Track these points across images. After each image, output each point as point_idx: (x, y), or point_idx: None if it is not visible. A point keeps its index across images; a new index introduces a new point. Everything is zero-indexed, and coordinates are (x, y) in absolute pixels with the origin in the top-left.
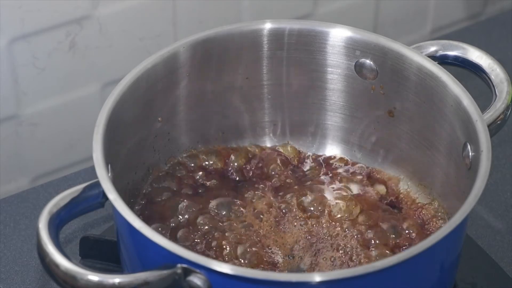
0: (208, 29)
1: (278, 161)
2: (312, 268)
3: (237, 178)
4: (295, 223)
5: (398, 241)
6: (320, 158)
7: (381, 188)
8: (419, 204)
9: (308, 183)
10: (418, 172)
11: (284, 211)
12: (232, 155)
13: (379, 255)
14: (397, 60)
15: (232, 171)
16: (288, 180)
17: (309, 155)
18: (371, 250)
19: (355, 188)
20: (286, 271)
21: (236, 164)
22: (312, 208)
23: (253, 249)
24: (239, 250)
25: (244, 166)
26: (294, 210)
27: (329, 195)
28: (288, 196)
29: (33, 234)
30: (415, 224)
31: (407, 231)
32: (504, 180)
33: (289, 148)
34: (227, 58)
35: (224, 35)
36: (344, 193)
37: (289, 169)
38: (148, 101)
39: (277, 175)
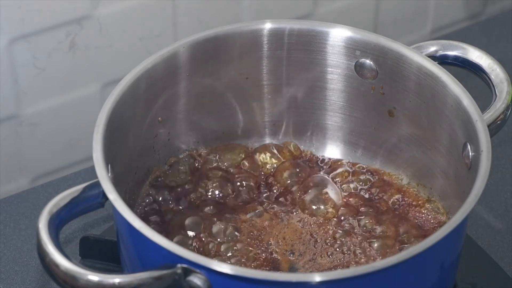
0: (208, 29)
1: (280, 160)
2: (312, 265)
3: (238, 176)
4: (296, 221)
5: (397, 240)
6: (320, 158)
7: (381, 188)
8: (419, 204)
9: (309, 182)
10: (418, 172)
11: (285, 208)
12: (230, 151)
13: (379, 254)
14: (397, 60)
15: (231, 168)
16: (289, 178)
17: (309, 155)
18: (371, 249)
19: (355, 188)
20: (286, 268)
21: (234, 158)
22: (312, 207)
23: (251, 248)
24: (238, 246)
25: (244, 165)
26: (295, 208)
27: (329, 195)
28: (289, 194)
29: (33, 234)
30: (414, 224)
31: (407, 231)
32: (504, 180)
33: (292, 146)
34: (227, 58)
35: (224, 35)
36: (344, 193)
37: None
38: (148, 101)
39: (278, 173)
